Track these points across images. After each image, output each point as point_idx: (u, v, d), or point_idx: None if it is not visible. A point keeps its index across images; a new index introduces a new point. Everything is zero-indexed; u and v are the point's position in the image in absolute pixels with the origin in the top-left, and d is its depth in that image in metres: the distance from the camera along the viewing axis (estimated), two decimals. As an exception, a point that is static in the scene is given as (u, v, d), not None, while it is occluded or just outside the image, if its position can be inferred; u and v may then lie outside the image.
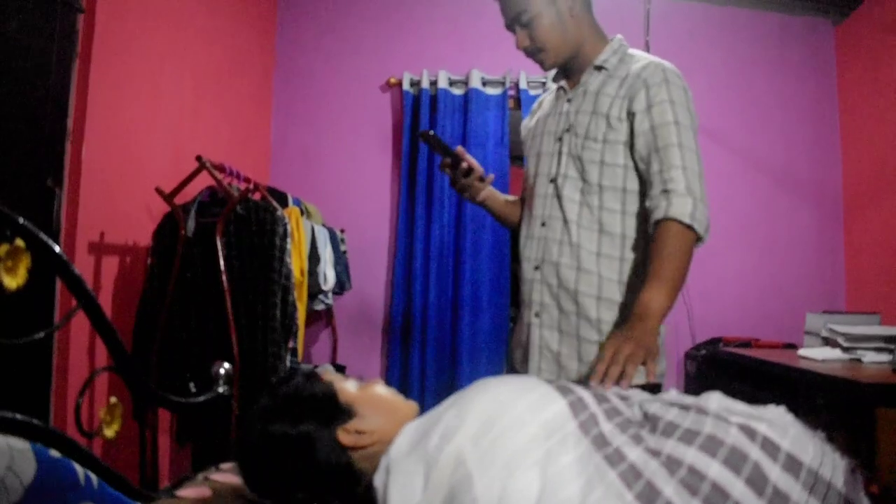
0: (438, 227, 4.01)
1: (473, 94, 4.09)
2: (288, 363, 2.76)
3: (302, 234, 3.29)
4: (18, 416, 1.02)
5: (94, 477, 1.09)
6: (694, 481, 0.93)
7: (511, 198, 2.08)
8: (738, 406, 1.08)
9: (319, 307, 3.71)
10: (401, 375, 4.02)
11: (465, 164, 1.87)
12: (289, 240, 2.74)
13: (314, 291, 3.49)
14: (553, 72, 1.90)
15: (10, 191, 2.15)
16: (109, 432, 1.23)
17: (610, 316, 1.68)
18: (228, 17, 3.67)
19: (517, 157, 3.32)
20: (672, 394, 1.19)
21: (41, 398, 2.28)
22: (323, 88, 4.35)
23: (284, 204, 3.41)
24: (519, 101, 4.11)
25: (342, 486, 1.15)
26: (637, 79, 1.70)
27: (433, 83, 4.17)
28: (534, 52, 1.78)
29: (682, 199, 1.56)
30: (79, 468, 1.05)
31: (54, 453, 1.02)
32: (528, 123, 2.04)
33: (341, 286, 3.82)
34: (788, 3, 4.11)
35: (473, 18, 4.27)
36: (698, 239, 1.58)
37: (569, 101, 1.83)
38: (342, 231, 4.03)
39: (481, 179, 1.92)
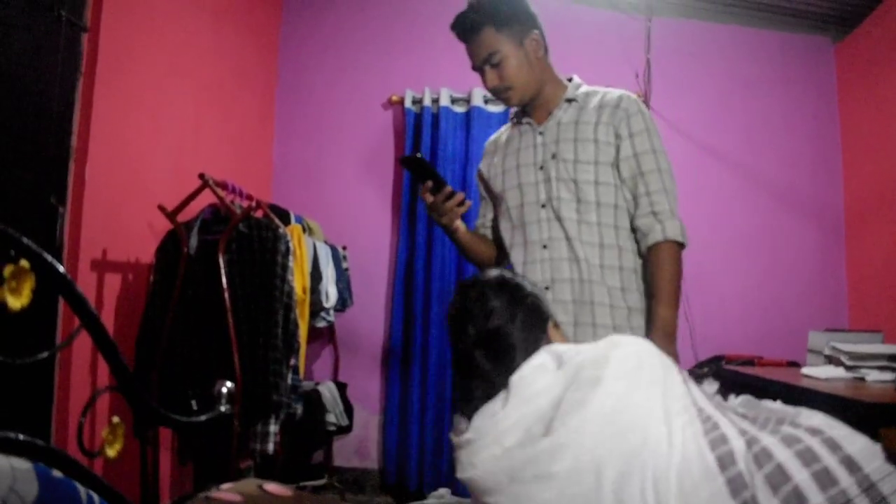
0: (440, 244, 4.01)
1: (475, 112, 4.10)
2: (289, 381, 2.75)
3: (304, 252, 3.30)
4: (21, 436, 1.01)
5: (95, 497, 1.08)
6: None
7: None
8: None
9: (321, 324, 3.71)
10: (401, 391, 4.01)
11: (448, 188, 1.88)
12: (291, 257, 2.74)
13: (316, 309, 3.49)
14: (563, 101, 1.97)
15: (14, 208, 2.16)
16: (112, 452, 1.22)
17: (620, 321, 1.86)
18: (231, 36, 3.69)
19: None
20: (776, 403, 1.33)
21: (43, 417, 2.27)
22: (325, 106, 4.37)
23: (287, 221, 3.42)
24: (520, 118, 4.12)
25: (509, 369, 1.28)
26: (617, 108, 1.91)
27: (435, 101, 4.18)
28: (501, 91, 1.95)
29: (671, 221, 1.84)
30: (81, 488, 1.05)
31: (56, 473, 1.01)
32: (489, 162, 2.15)
33: (343, 303, 3.82)
34: (789, 21, 4.13)
35: (475, 37, 4.29)
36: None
37: (541, 133, 1.97)
38: (344, 248, 4.03)
39: (460, 204, 1.93)
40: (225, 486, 1.53)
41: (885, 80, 3.72)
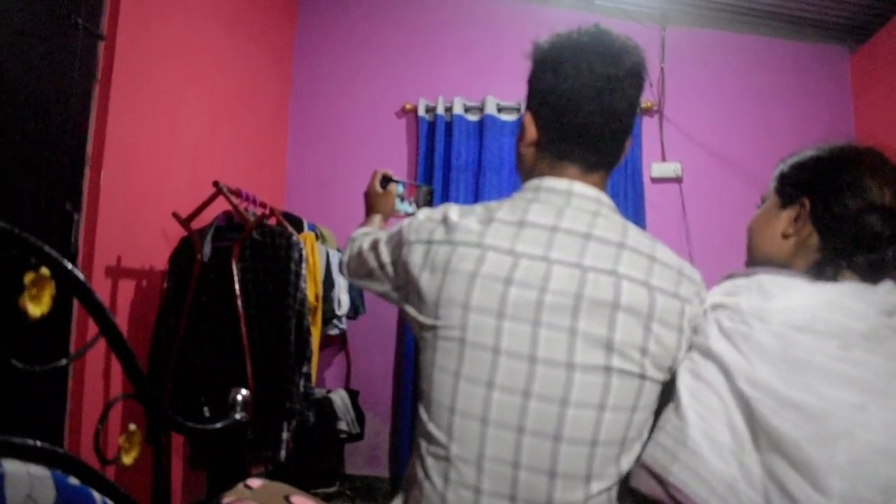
0: (452, 252, 3.99)
1: (488, 121, 4.10)
2: (302, 388, 2.75)
3: (317, 259, 3.29)
4: (38, 443, 1.01)
5: (111, 505, 1.08)
6: None
7: None
8: None
9: (333, 332, 3.70)
10: (413, 399, 3.99)
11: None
12: (304, 265, 2.75)
13: (328, 316, 3.48)
14: None
15: (29, 215, 2.17)
16: (128, 459, 1.22)
17: None
18: (246, 44, 3.71)
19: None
20: None
21: (56, 423, 2.28)
22: (338, 115, 4.38)
23: (300, 229, 3.42)
24: (533, 127, 4.11)
25: None
26: None
27: (448, 109, 4.18)
28: None
29: None
30: (97, 495, 1.04)
31: (73, 481, 1.01)
32: None
33: (355, 311, 3.81)
34: (804, 30, 4.11)
35: (489, 45, 4.30)
36: None
37: None
38: (356, 256, 4.02)
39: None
40: (254, 482, 1.52)
41: (902, 90, 3.70)
